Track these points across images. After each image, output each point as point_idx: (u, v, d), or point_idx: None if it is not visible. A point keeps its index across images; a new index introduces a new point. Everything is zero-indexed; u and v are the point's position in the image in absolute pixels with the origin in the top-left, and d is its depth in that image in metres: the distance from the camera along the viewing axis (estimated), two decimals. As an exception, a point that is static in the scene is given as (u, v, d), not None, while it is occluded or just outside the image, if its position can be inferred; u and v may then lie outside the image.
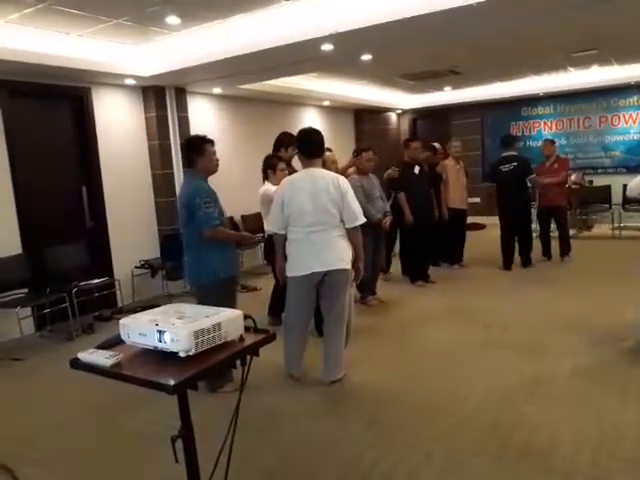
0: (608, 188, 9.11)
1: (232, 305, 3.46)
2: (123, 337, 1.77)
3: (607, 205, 8.99)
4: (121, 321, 1.77)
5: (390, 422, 3.10)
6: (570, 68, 8.56)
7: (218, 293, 3.34)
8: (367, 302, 5.54)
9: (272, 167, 4.68)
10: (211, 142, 3.52)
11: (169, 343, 1.62)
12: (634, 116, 9.51)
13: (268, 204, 4.54)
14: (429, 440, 2.86)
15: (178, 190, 6.65)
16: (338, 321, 3.62)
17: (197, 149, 3.47)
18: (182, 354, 1.61)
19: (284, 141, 4.92)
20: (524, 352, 4.02)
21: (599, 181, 9.39)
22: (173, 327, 1.63)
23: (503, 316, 4.91)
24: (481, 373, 3.70)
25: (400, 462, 2.67)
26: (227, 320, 1.73)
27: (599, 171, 9.75)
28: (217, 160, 3.57)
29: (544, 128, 10.36)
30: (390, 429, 3.01)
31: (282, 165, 4.68)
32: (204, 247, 3.41)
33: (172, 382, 1.51)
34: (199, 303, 3.00)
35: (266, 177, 4.74)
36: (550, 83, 9.44)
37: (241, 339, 1.78)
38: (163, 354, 1.66)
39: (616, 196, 8.91)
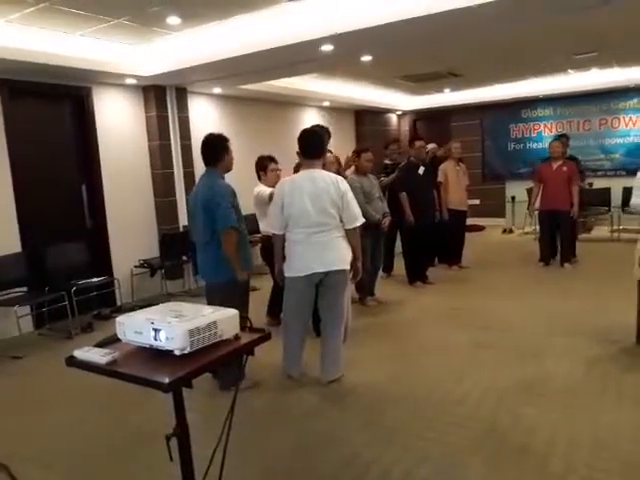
0: (608, 191, 9.11)
1: (245, 305, 3.48)
2: (119, 335, 1.78)
3: (607, 207, 8.98)
4: (117, 319, 1.78)
5: (387, 422, 3.11)
6: (570, 70, 8.57)
7: (238, 292, 3.38)
8: (366, 303, 5.56)
9: (263, 169, 4.79)
10: (229, 140, 3.62)
11: (164, 341, 1.63)
12: (634, 119, 9.52)
13: (262, 205, 4.61)
14: (425, 440, 2.87)
15: (180, 189, 6.69)
16: (336, 321, 3.63)
17: (225, 147, 3.54)
18: (177, 352, 1.62)
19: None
20: (522, 354, 4.03)
21: (599, 183, 9.38)
22: (168, 325, 1.64)
23: (501, 318, 4.92)
24: (478, 374, 3.70)
25: (396, 461, 2.68)
26: (223, 319, 1.74)
27: (599, 173, 9.75)
28: (233, 158, 3.64)
29: (544, 130, 10.37)
30: (387, 429, 3.02)
31: (273, 165, 4.77)
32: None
33: (167, 380, 1.52)
34: (213, 302, 3.02)
35: (259, 178, 4.84)
36: (550, 85, 9.46)
37: (237, 338, 1.79)
38: (159, 352, 1.67)
39: (615, 198, 8.92)
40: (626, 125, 9.62)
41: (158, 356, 1.67)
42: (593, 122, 9.89)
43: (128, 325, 1.75)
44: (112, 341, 1.83)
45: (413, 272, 6.35)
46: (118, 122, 6.25)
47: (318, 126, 4.72)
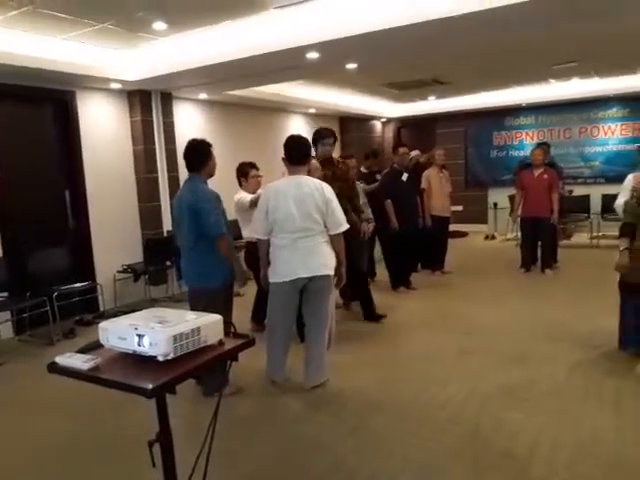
0: (587, 198, 9.27)
1: (229, 311, 3.50)
2: (102, 341, 1.77)
3: (586, 214, 9.14)
4: (100, 325, 1.78)
5: (371, 427, 3.12)
6: (551, 80, 8.72)
7: (222, 297, 3.40)
8: (350, 308, 5.57)
9: (244, 175, 4.81)
10: (212, 145, 3.62)
11: (148, 347, 1.63)
12: (613, 128, 9.71)
13: (242, 212, 4.63)
14: (409, 445, 2.89)
15: (165, 194, 6.66)
16: (320, 327, 3.64)
17: (209, 153, 3.55)
18: (161, 358, 1.62)
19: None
20: (505, 359, 4.07)
21: (578, 191, 9.54)
22: (152, 331, 1.64)
23: (484, 323, 4.97)
24: (462, 379, 3.74)
25: (380, 468, 2.70)
26: (206, 324, 1.74)
27: (579, 181, 9.91)
28: (216, 163, 3.64)
29: (526, 138, 10.52)
30: (371, 434, 3.03)
31: (254, 172, 4.79)
32: (213, 252, 3.40)
33: (150, 386, 1.52)
34: (197, 307, 3.03)
35: (240, 184, 4.85)
36: (532, 94, 9.61)
37: (220, 343, 1.79)
38: (142, 358, 1.67)
39: (595, 205, 9.08)
40: (605, 134, 9.81)
41: (141, 362, 1.67)
42: (573, 130, 10.07)
43: (111, 331, 1.75)
44: (95, 347, 1.82)
45: (397, 278, 6.39)
46: (102, 126, 6.22)
47: (325, 129, 4.79)
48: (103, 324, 1.78)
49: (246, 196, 4.63)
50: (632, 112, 9.51)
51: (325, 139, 4.62)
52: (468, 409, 3.29)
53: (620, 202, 4.08)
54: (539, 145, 7.73)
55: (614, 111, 9.68)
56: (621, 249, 3.81)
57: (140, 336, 1.66)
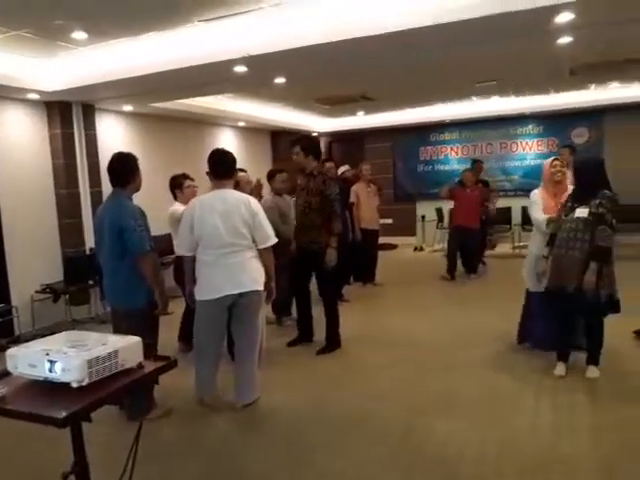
0: (509, 210, 9.75)
1: (155, 331, 3.40)
2: (10, 369, 1.66)
3: (508, 225, 9.60)
4: (7, 352, 1.66)
5: (303, 444, 3.09)
6: (473, 97, 9.13)
7: (147, 318, 3.28)
8: (282, 323, 5.53)
9: (179, 186, 4.70)
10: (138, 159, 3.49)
11: (60, 373, 1.54)
12: (530, 144, 10.32)
13: (176, 225, 4.49)
14: (343, 458, 2.89)
15: (87, 210, 6.37)
16: (250, 344, 3.58)
17: (136, 168, 3.42)
18: (74, 384, 1.53)
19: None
20: (433, 367, 4.17)
21: (500, 203, 9.98)
22: (65, 356, 1.55)
23: (414, 333, 5.08)
24: (392, 390, 3.79)
25: (312, 484, 2.67)
26: (124, 347, 1.67)
27: (501, 194, 10.38)
28: (141, 178, 3.52)
29: (451, 153, 10.96)
30: (304, 452, 3.00)
31: (188, 182, 4.71)
32: (137, 270, 3.26)
33: (62, 414, 1.43)
34: (120, 328, 2.89)
35: (175, 197, 4.72)
36: (456, 111, 10.02)
37: (140, 366, 1.72)
38: (54, 385, 1.57)
39: (516, 217, 9.55)
40: (523, 149, 10.40)
41: (53, 389, 1.57)
42: (495, 146, 10.60)
43: (21, 357, 1.64)
44: (2, 375, 1.70)
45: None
46: (18, 139, 5.87)
47: (298, 138, 4.74)
48: (11, 351, 1.67)
49: (179, 209, 4.46)
50: (546, 129, 10.17)
51: (293, 148, 4.57)
52: (400, 419, 3.33)
53: (540, 217, 4.21)
54: (473, 163, 8.25)
55: (530, 128, 10.29)
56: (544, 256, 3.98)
57: (52, 362, 1.56)
